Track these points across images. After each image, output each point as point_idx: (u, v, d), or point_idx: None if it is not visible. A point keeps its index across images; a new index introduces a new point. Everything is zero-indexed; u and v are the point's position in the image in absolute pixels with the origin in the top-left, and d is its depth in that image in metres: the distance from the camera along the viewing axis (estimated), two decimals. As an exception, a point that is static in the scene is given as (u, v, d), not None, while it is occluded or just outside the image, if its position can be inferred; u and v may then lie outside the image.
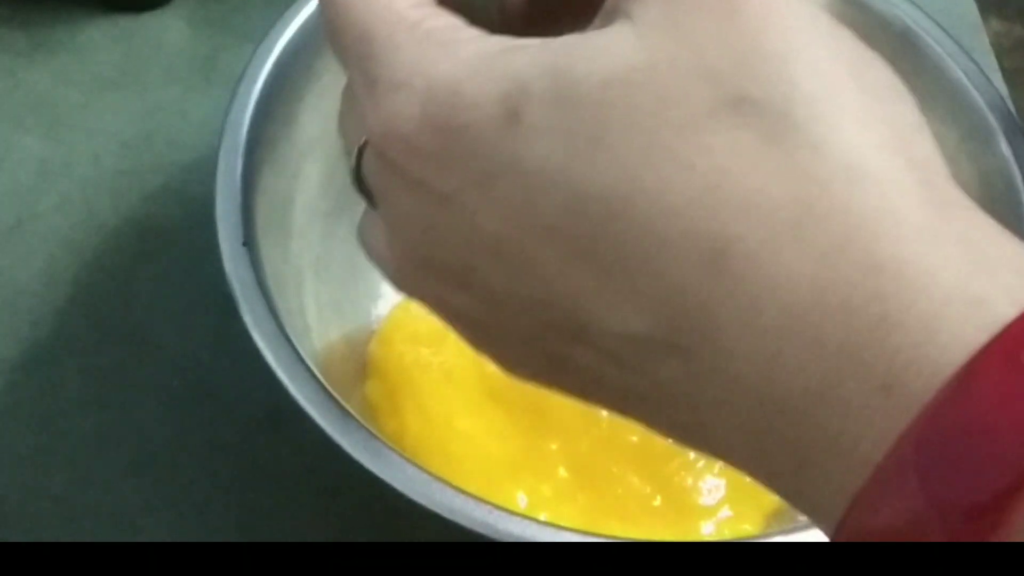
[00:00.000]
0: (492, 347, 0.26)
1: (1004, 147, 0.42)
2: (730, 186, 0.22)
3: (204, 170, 0.41)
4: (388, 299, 0.48)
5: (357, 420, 0.35)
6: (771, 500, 0.43)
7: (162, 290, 0.49)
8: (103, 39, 0.56)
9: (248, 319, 0.37)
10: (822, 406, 0.21)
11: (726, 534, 0.43)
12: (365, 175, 0.27)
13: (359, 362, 0.47)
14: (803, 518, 0.31)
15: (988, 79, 0.44)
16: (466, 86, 0.24)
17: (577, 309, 0.23)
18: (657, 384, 0.23)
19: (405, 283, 0.27)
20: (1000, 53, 0.61)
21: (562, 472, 0.44)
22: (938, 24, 0.45)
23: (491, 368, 0.45)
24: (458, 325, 0.27)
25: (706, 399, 0.23)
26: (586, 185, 0.22)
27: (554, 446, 0.45)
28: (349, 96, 0.27)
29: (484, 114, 0.23)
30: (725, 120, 0.22)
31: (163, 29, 0.57)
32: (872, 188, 0.21)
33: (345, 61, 0.27)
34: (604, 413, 0.45)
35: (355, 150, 0.27)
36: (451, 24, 0.25)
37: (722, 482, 0.44)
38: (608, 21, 0.24)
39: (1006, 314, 0.20)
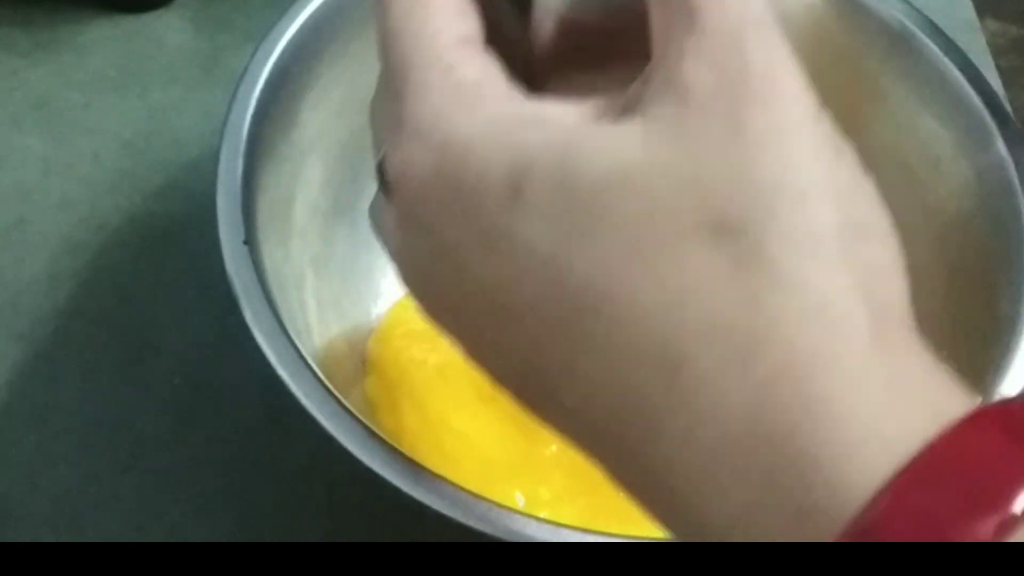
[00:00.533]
0: (477, 364, 0.27)
1: (1001, 146, 0.42)
2: (693, 306, 0.23)
3: (205, 169, 0.41)
4: (388, 297, 0.49)
5: (357, 417, 0.35)
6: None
7: (163, 289, 0.49)
8: (104, 39, 0.56)
9: (248, 317, 0.37)
10: (741, 531, 0.22)
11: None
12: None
13: (359, 359, 0.47)
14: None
15: (984, 78, 0.44)
16: (478, 150, 0.25)
17: (546, 377, 0.25)
18: (609, 461, 0.25)
19: (406, 285, 0.28)
20: (996, 53, 0.61)
21: (560, 475, 0.44)
22: (935, 24, 0.45)
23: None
24: (448, 337, 0.28)
25: (646, 492, 0.24)
26: (568, 274, 0.23)
27: (553, 448, 0.45)
28: (383, 90, 0.28)
29: (489, 182, 0.24)
30: (702, 241, 0.23)
31: (164, 29, 0.57)
32: (820, 328, 0.22)
33: (385, 73, 0.27)
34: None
35: (381, 149, 0.27)
36: (481, 77, 0.26)
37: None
38: (626, 112, 0.24)
39: (911, 454, 0.21)
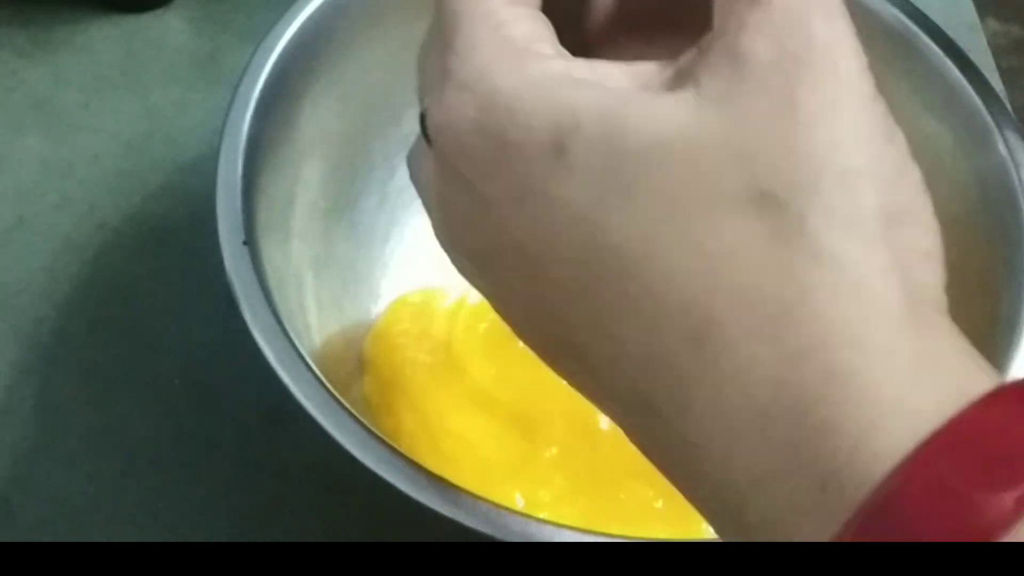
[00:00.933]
0: (505, 318, 0.27)
1: (1001, 146, 0.42)
2: (728, 273, 0.23)
3: (204, 169, 0.41)
4: (387, 297, 0.49)
5: (356, 418, 0.35)
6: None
7: (162, 289, 0.49)
8: (104, 39, 0.56)
9: (248, 318, 0.37)
10: (765, 494, 0.22)
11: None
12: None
13: (357, 359, 0.47)
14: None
15: (985, 79, 0.44)
16: (524, 105, 0.25)
17: (573, 335, 0.25)
18: (630, 421, 0.25)
19: (439, 236, 0.28)
20: (998, 53, 0.61)
21: (560, 477, 0.44)
22: (936, 24, 0.45)
23: (482, 370, 0.46)
24: (478, 288, 0.28)
25: (669, 453, 0.24)
26: (606, 233, 0.24)
27: (553, 450, 0.45)
28: (432, 39, 0.28)
29: (533, 137, 0.24)
30: (744, 209, 0.23)
31: (163, 29, 0.57)
32: (853, 304, 0.22)
33: (435, 23, 0.27)
34: (602, 418, 0.45)
35: (425, 98, 0.27)
36: (531, 34, 0.26)
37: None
38: (678, 81, 0.24)
39: (935, 427, 0.21)
